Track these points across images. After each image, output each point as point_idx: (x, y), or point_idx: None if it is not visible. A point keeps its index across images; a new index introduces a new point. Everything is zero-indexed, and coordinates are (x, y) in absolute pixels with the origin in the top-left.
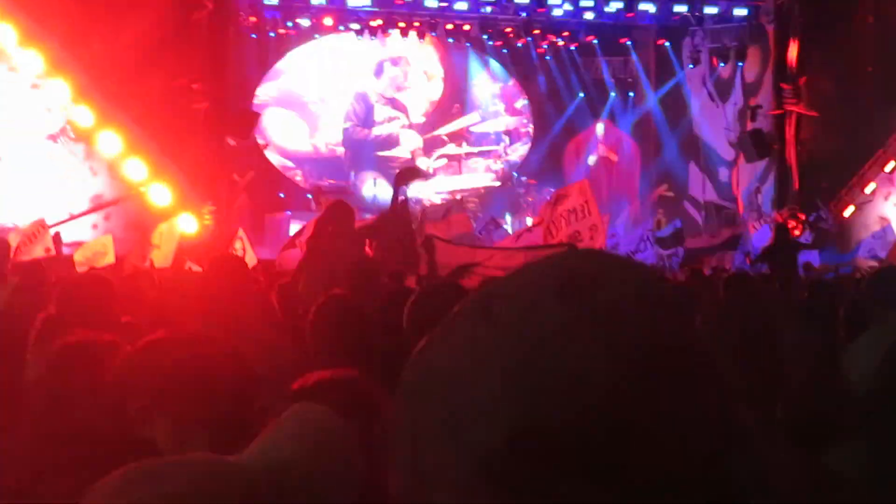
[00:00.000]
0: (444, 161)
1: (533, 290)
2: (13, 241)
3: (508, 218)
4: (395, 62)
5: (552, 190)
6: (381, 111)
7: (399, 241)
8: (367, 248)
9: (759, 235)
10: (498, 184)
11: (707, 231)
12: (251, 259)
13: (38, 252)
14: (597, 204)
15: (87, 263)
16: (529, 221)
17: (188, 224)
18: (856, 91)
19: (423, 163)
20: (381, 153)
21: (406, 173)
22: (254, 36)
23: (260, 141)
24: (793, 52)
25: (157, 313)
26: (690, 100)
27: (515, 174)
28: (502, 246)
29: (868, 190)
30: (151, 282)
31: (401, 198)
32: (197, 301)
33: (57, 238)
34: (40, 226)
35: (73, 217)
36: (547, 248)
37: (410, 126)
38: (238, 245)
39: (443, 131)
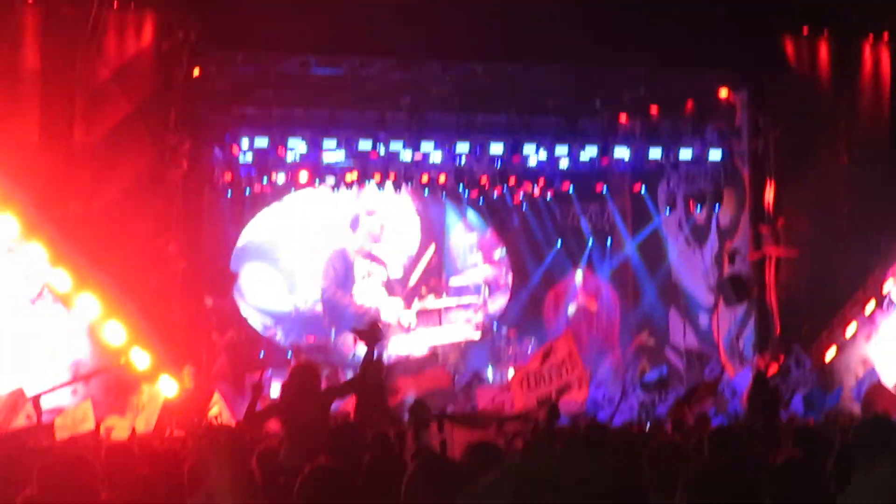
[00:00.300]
0: (423, 314)
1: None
2: None
3: (490, 369)
4: (370, 214)
5: (533, 340)
6: (359, 265)
7: (376, 400)
8: (349, 408)
9: (741, 379)
10: (478, 335)
11: (689, 379)
12: (229, 420)
13: (20, 421)
14: (579, 354)
15: (67, 430)
16: (511, 373)
17: (168, 387)
18: (833, 232)
19: (404, 316)
20: (360, 309)
21: (370, 334)
22: (230, 193)
23: (239, 301)
24: (769, 194)
25: (138, 490)
26: (668, 245)
27: (496, 325)
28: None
29: (849, 331)
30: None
31: (375, 355)
32: (177, 477)
33: (37, 404)
34: (20, 395)
35: (53, 388)
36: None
37: (389, 279)
38: (215, 408)
39: (422, 284)
